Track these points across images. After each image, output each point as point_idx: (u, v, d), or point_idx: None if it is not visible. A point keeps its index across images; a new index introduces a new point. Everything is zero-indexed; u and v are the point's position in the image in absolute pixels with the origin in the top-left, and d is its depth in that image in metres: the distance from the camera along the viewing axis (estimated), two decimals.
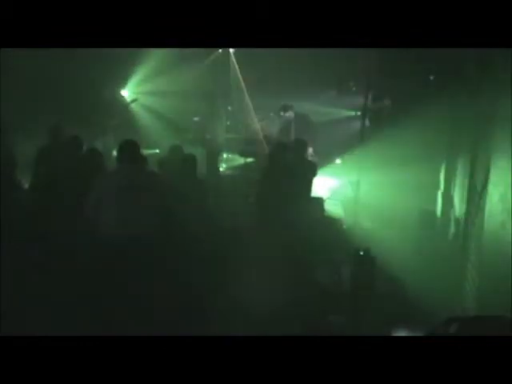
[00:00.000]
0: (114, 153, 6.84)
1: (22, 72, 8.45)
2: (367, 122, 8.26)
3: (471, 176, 5.63)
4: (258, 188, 6.84)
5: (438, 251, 6.60)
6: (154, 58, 9.47)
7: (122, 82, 10.02)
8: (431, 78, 7.71)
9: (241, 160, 9.56)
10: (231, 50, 9.94)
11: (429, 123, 6.98)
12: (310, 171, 7.08)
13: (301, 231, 6.27)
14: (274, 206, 6.37)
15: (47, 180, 6.01)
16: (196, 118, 9.98)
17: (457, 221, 6.40)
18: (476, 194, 5.25)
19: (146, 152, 7.57)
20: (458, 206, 6.45)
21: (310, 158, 8.19)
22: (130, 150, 5.27)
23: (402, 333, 4.18)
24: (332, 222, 7.76)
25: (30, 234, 5.48)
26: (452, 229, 6.63)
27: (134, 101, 9.77)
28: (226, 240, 6.32)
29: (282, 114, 8.97)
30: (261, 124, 9.90)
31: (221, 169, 9.85)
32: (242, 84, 9.87)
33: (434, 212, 7.40)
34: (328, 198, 8.57)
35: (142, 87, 10.04)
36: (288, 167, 6.67)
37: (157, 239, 5.11)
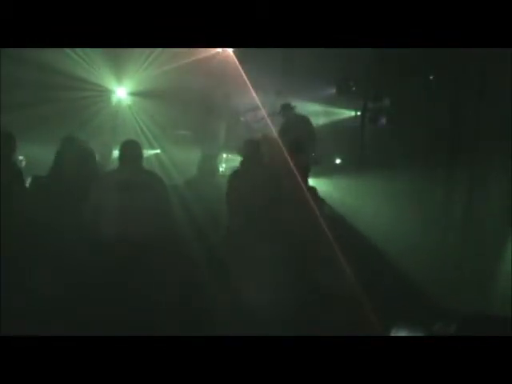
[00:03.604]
0: (115, 153, 6.82)
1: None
2: (367, 122, 8.24)
3: (471, 174, 5.64)
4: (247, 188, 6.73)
5: (439, 251, 6.60)
6: (152, 57, 9.45)
7: (120, 82, 9.99)
8: (431, 77, 7.72)
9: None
10: (231, 50, 9.91)
11: (428, 123, 6.99)
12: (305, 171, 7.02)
13: (299, 231, 6.24)
14: (266, 207, 6.31)
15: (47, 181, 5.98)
16: (196, 118, 9.95)
17: (457, 220, 6.40)
18: (477, 193, 5.25)
19: (146, 152, 7.54)
20: (459, 205, 6.45)
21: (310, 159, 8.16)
22: (132, 149, 5.28)
23: (402, 333, 4.17)
24: (331, 222, 7.73)
25: (30, 233, 5.47)
26: (452, 228, 6.63)
27: (132, 102, 9.77)
28: (225, 240, 6.29)
29: (282, 113, 8.95)
30: (260, 124, 9.87)
31: (220, 169, 9.83)
32: (242, 83, 9.84)
33: (434, 211, 7.39)
34: (326, 198, 8.54)
35: (142, 87, 10.01)
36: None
37: (156, 239, 5.10)
